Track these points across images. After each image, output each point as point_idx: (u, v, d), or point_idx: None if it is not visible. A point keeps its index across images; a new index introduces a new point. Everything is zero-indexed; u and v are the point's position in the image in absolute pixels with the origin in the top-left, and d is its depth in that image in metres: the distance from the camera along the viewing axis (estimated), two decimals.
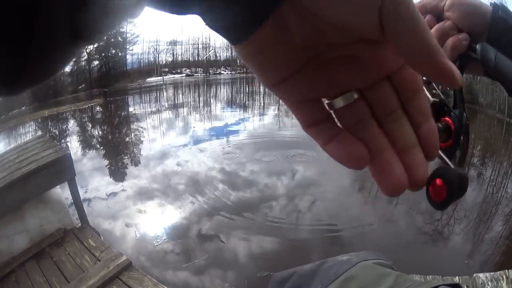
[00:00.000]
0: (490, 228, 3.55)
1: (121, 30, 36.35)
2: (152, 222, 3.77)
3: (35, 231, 2.76)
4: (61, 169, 3.00)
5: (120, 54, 38.14)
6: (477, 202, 4.04)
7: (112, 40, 36.20)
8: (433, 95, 0.41)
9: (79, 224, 3.11)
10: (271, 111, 11.63)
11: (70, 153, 3.19)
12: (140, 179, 5.02)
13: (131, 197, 4.37)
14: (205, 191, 4.35)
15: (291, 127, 8.66)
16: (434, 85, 0.41)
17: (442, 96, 0.42)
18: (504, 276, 1.82)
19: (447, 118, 0.41)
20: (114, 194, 4.55)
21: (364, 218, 3.66)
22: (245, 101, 15.14)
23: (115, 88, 26.43)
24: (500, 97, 32.88)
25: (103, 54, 35.33)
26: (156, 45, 42.87)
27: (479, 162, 6.25)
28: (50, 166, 2.89)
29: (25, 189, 2.67)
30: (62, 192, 3.22)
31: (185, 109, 12.60)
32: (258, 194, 4.28)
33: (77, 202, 3.25)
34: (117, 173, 5.52)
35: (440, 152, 0.27)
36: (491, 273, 1.87)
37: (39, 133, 8.03)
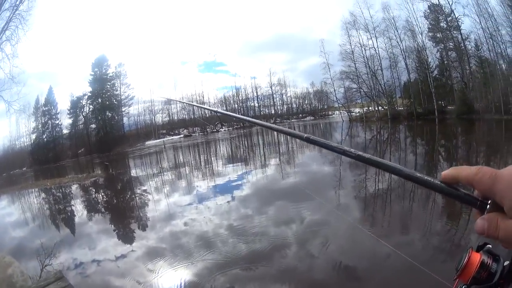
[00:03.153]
0: None
1: (115, 93, 38.44)
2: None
3: None
4: None
5: (116, 117, 39.56)
6: None
7: (107, 102, 37.79)
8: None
9: None
10: (273, 162, 12.07)
11: None
12: (148, 240, 5.07)
13: (140, 258, 4.36)
14: (216, 247, 4.35)
15: (294, 174, 8.96)
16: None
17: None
18: None
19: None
20: (123, 256, 4.57)
21: None
22: (246, 155, 15.42)
23: (115, 152, 26.80)
24: (494, 97, 33.39)
25: (99, 118, 36.36)
26: (151, 106, 45.45)
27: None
28: None
29: None
30: None
31: (187, 169, 12.90)
32: (269, 245, 4.24)
33: None
34: (126, 237, 5.61)
35: None
36: None
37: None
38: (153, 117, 45.70)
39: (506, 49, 30.12)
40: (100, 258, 4.63)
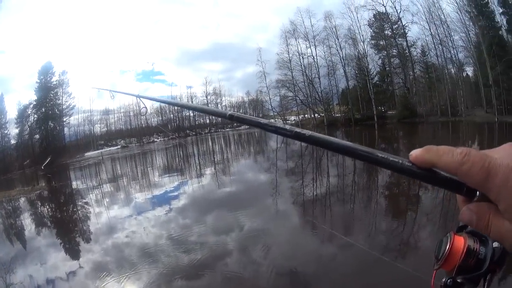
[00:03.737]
0: None
1: (57, 102, 36.83)
2: None
3: None
4: None
5: (58, 127, 38.23)
6: None
7: (50, 112, 36.28)
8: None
9: None
10: (208, 171, 12.38)
11: None
12: (93, 253, 5.05)
13: (88, 275, 4.32)
14: (158, 258, 4.44)
15: (230, 184, 9.31)
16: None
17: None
18: None
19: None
20: (73, 273, 4.49)
21: None
22: (181, 165, 15.83)
23: (57, 164, 26.35)
24: (441, 101, 35.41)
25: (42, 127, 35.25)
26: (90, 116, 44.65)
27: None
28: None
29: None
30: None
31: (126, 180, 12.97)
32: (210, 252, 4.39)
33: None
34: (71, 251, 5.58)
35: None
36: None
37: None
38: (91, 128, 44.88)
39: (457, 54, 32.08)
40: (43, 275, 4.54)
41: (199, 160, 17.06)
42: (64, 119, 38.13)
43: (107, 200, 9.41)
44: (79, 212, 8.74)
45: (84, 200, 10.13)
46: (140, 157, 24.78)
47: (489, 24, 29.90)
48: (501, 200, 0.32)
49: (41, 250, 5.73)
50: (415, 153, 0.36)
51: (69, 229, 7.17)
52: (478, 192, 0.35)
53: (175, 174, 12.85)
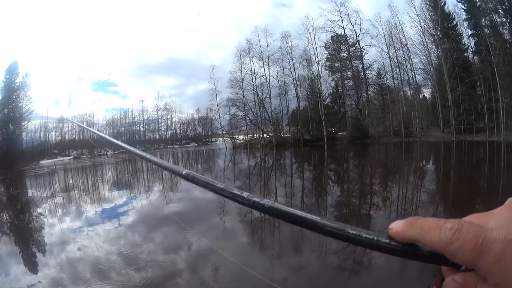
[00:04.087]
0: None
1: (19, 105, 35.03)
2: None
3: None
4: None
5: (17, 132, 36.50)
6: None
7: (11, 115, 34.55)
8: None
9: None
10: (156, 188, 12.66)
11: None
12: (49, 268, 4.82)
13: None
14: (109, 275, 4.28)
15: (177, 201, 9.40)
16: None
17: None
18: None
19: None
20: None
21: None
22: (130, 181, 15.88)
23: (15, 170, 26.48)
24: (394, 122, 36.98)
25: (3, 130, 33.60)
26: (47, 123, 43.32)
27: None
28: None
29: None
30: None
31: (77, 192, 12.83)
32: (159, 271, 4.25)
33: None
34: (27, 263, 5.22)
35: None
36: None
37: None
38: (47, 135, 44.57)
39: (415, 76, 33.16)
40: None
41: (146, 176, 17.00)
42: (23, 123, 37.25)
43: (54, 211, 9.30)
44: (33, 223, 8.53)
45: (38, 210, 9.92)
46: (92, 170, 24.67)
47: (454, 46, 30.80)
48: (493, 275, 0.29)
49: None
50: (396, 227, 0.33)
51: (17, 242, 6.87)
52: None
53: (124, 189, 12.97)
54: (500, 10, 28.98)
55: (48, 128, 44.25)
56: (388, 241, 0.33)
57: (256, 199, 0.42)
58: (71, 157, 42.36)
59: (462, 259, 0.30)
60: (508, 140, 23.93)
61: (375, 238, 0.34)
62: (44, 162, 36.81)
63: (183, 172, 0.57)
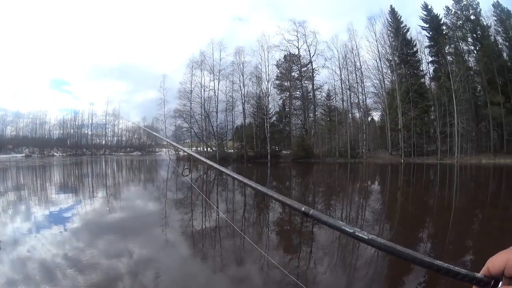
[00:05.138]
0: None
1: None
2: None
3: None
4: None
5: None
6: None
7: None
8: None
9: None
10: (100, 194, 12.54)
11: None
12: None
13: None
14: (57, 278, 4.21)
15: (121, 209, 9.29)
16: None
17: None
18: None
19: None
20: None
21: None
22: (76, 185, 15.94)
23: None
24: (340, 143, 37.61)
25: None
26: (5, 115, 40.81)
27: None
28: None
29: None
30: None
31: (26, 192, 12.72)
32: (105, 275, 4.23)
33: None
34: None
35: None
36: None
37: None
38: (4, 128, 43.96)
39: (365, 99, 34.20)
40: None
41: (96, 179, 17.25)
42: None
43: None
44: None
45: None
46: (41, 169, 24.83)
47: (411, 72, 32.12)
48: None
49: None
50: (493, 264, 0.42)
51: None
52: (501, 283, 0.41)
53: (73, 192, 13.15)
54: (469, 39, 31.11)
55: (5, 121, 44.21)
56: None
57: (373, 237, 0.52)
58: (23, 154, 42.37)
59: None
60: (461, 162, 26.07)
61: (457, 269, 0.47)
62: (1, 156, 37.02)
63: (302, 209, 0.64)
